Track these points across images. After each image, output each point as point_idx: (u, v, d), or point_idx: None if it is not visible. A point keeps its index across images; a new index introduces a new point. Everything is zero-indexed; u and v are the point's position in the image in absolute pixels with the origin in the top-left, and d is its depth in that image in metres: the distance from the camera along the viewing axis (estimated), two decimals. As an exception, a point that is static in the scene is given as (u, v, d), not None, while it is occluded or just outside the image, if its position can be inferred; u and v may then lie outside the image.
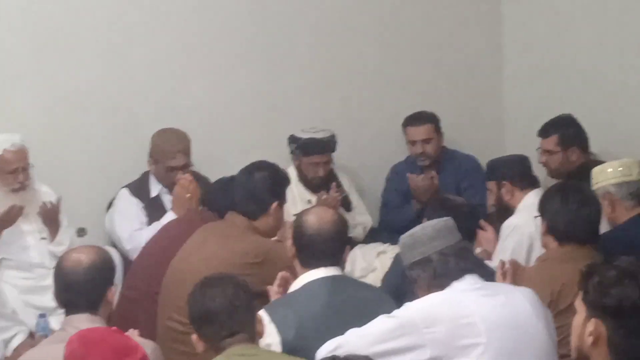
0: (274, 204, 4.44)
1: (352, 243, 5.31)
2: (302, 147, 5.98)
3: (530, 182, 5.27)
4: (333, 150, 6.05)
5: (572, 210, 4.10)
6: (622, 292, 2.59)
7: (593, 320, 2.62)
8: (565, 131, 5.76)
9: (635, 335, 2.57)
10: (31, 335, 4.95)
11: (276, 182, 4.53)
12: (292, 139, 6.03)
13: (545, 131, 5.81)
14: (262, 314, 3.45)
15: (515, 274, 4.06)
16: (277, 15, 6.27)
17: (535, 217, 4.36)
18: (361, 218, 6.21)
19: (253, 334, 3.24)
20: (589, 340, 2.62)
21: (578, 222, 4.10)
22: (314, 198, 5.93)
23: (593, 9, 6.29)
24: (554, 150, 5.74)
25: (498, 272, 4.07)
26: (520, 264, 4.28)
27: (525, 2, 6.76)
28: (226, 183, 4.85)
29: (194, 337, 3.25)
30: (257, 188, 4.44)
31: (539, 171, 5.61)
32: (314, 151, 5.98)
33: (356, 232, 6.02)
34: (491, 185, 5.40)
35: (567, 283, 3.84)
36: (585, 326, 2.64)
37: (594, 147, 5.81)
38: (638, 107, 6.03)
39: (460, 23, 6.83)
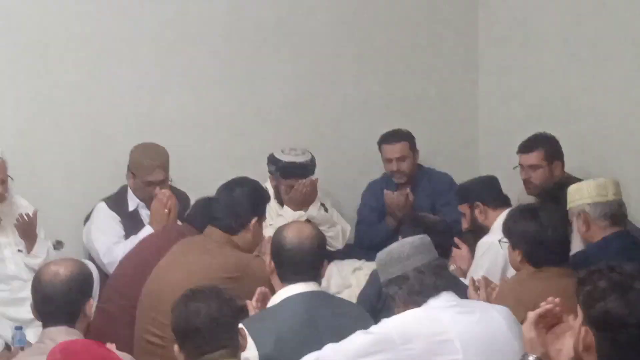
0: (254, 220, 4.45)
1: (329, 257, 5.32)
2: (282, 170, 5.89)
3: (502, 202, 5.28)
4: (312, 173, 5.96)
5: (548, 236, 4.07)
6: (606, 307, 2.57)
7: (585, 328, 2.62)
8: (550, 146, 5.80)
9: (621, 347, 2.57)
10: (7, 347, 4.92)
11: (256, 198, 4.55)
12: (272, 160, 5.94)
13: (528, 147, 5.82)
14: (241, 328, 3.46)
15: (487, 289, 4.09)
16: (254, 33, 6.29)
17: (500, 240, 4.36)
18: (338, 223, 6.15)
19: (235, 349, 3.23)
20: (581, 346, 2.63)
21: (554, 246, 4.08)
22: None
23: (567, 31, 6.34)
24: (540, 164, 5.76)
25: (470, 289, 4.10)
26: (490, 281, 4.30)
27: (501, 23, 6.81)
28: (207, 202, 4.85)
29: (176, 348, 3.24)
30: (238, 203, 4.45)
31: (510, 190, 5.63)
32: (293, 174, 5.88)
33: (334, 235, 5.98)
34: (464, 208, 5.37)
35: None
36: (580, 331, 2.64)
37: (568, 167, 5.85)
38: (611, 127, 6.07)
39: (437, 42, 6.87)
